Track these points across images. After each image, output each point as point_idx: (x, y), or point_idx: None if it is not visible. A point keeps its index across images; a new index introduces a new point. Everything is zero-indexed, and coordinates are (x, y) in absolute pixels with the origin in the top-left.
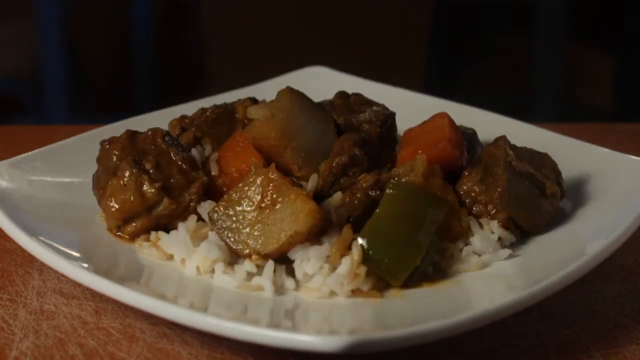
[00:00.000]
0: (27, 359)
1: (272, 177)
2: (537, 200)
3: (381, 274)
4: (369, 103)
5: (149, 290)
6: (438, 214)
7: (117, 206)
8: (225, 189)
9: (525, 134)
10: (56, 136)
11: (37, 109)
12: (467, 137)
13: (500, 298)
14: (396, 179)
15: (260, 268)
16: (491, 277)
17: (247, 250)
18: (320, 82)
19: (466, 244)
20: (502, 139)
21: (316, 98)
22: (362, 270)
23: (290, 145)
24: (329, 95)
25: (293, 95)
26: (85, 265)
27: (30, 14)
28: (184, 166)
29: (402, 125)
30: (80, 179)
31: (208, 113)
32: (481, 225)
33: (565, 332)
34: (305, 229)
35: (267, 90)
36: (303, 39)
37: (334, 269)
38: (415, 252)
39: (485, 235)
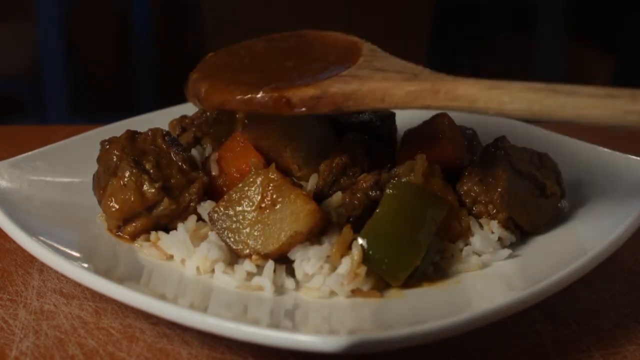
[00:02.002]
0: (27, 359)
1: (272, 177)
2: (537, 200)
3: (381, 274)
4: None
5: (149, 290)
6: (438, 214)
7: (117, 206)
8: (225, 189)
9: (525, 134)
10: (56, 136)
11: (37, 109)
12: (467, 137)
13: (500, 298)
14: (396, 179)
15: (260, 268)
16: (491, 277)
17: (247, 251)
18: None
19: (466, 244)
20: (502, 139)
21: None
22: (362, 270)
23: (290, 145)
24: None
25: None
26: (85, 265)
27: (30, 14)
28: (184, 166)
29: (402, 125)
30: (80, 179)
31: (208, 113)
32: (481, 225)
33: (565, 332)
34: (306, 229)
35: None
36: None
37: (334, 269)
38: (415, 252)
39: (485, 235)
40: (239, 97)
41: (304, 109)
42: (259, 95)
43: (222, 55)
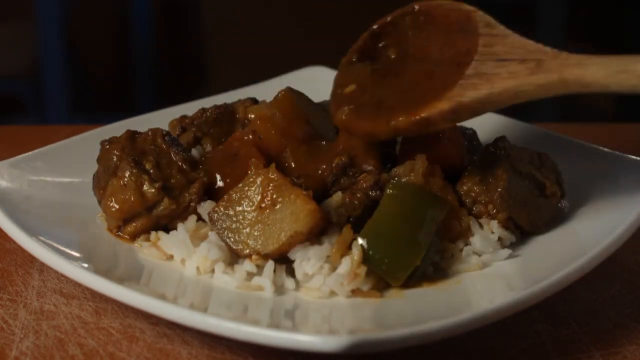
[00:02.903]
0: (27, 359)
1: (272, 177)
2: (537, 200)
3: (381, 274)
4: None
5: (149, 290)
6: (438, 214)
7: (117, 206)
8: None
9: (525, 134)
10: (56, 136)
11: (37, 109)
12: (467, 137)
13: (500, 298)
14: (396, 179)
15: (260, 268)
16: (491, 277)
17: (247, 251)
18: (320, 82)
19: (466, 244)
20: (502, 139)
21: (316, 98)
22: (362, 270)
23: (291, 145)
24: (329, 95)
25: (293, 95)
26: (85, 265)
27: (30, 14)
28: (184, 166)
29: None
30: (80, 179)
31: (208, 113)
32: (481, 225)
33: (565, 332)
34: (306, 229)
35: (267, 90)
36: (303, 39)
37: (334, 269)
38: (415, 252)
39: (485, 235)
40: (383, 128)
41: (447, 123)
42: (400, 124)
43: (348, 78)
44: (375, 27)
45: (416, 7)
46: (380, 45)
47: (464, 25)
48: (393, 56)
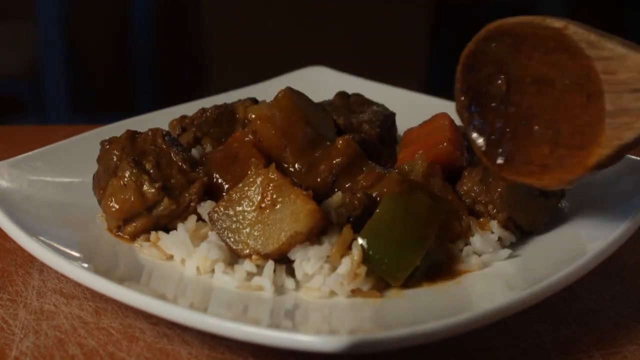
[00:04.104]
0: (27, 359)
1: (272, 177)
2: (537, 200)
3: (381, 274)
4: (369, 103)
5: (149, 290)
6: (438, 214)
7: (117, 206)
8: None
9: None
10: (56, 136)
11: (37, 109)
12: (468, 137)
13: (500, 298)
14: None
15: (260, 268)
16: (491, 277)
17: (247, 251)
18: (320, 82)
19: (466, 244)
20: None
21: (316, 98)
22: (362, 270)
23: (291, 145)
24: (329, 95)
25: (293, 95)
26: (85, 265)
27: (30, 14)
28: (184, 166)
29: (402, 125)
30: (80, 179)
31: (208, 113)
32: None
33: (565, 332)
34: (305, 229)
35: (267, 90)
36: (303, 39)
37: (334, 269)
38: (415, 252)
39: (485, 235)
40: (557, 183)
41: (614, 162)
42: (577, 175)
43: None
44: (463, 60)
45: (491, 28)
46: (482, 77)
47: (563, 43)
48: (504, 87)
